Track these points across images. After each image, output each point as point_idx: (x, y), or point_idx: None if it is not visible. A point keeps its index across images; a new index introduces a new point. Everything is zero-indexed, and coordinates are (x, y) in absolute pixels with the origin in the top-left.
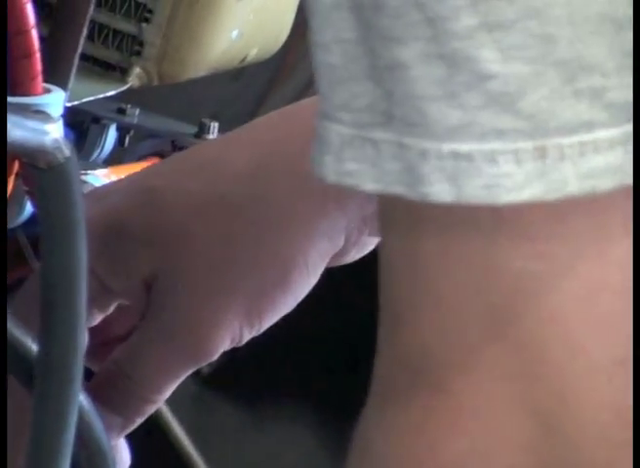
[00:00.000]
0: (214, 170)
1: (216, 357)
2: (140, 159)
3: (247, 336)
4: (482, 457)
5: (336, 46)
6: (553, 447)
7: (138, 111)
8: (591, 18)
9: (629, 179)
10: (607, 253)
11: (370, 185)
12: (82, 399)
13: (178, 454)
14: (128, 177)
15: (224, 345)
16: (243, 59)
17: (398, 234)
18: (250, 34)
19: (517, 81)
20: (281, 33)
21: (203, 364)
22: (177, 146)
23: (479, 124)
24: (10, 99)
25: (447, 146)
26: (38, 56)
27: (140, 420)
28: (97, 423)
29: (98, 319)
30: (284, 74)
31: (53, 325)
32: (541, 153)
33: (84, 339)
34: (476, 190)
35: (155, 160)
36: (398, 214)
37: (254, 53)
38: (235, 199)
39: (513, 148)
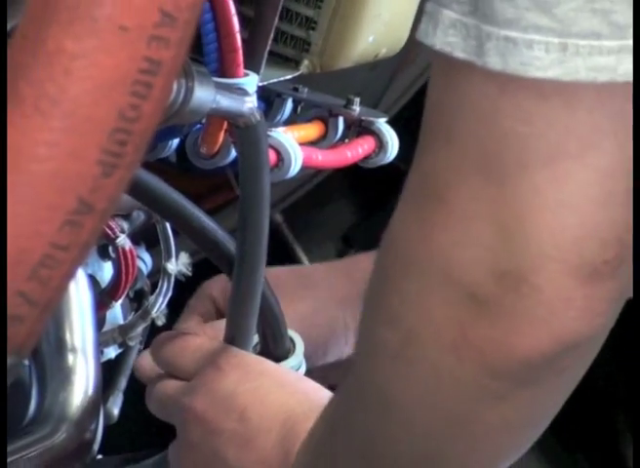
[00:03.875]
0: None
1: None
2: (307, 121)
3: None
4: (458, 246)
5: None
6: (508, 252)
7: (306, 89)
8: None
9: (617, 78)
10: (570, 129)
11: (459, 54)
12: (264, 281)
13: None
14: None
15: None
16: (376, 56)
17: (442, 85)
18: (381, 39)
19: None
20: (402, 38)
21: None
22: (332, 113)
23: (525, 20)
24: (221, 80)
25: (503, 32)
26: (240, 51)
27: None
28: (273, 299)
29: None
30: (404, 66)
31: (246, 228)
32: (563, 47)
33: (266, 239)
34: (516, 65)
35: (318, 122)
36: (447, 74)
37: (383, 51)
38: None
39: (545, 41)
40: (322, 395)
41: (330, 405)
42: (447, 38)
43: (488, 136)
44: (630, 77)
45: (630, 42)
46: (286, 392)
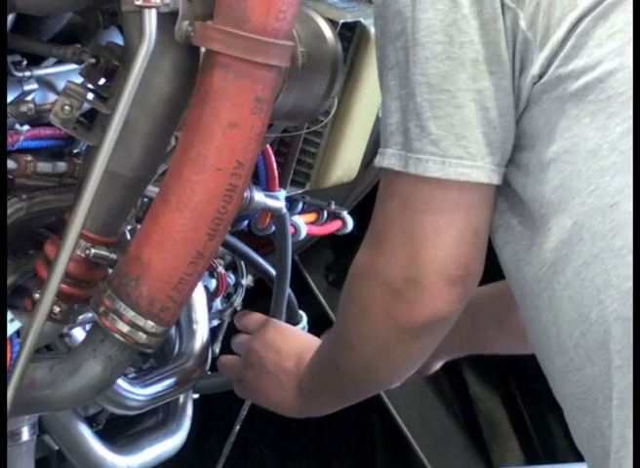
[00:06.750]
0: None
1: None
2: (309, 212)
3: None
4: (387, 265)
5: (393, 124)
6: (412, 270)
7: (309, 197)
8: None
9: (471, 180)
10: (446, 207)
11: (396, 168)
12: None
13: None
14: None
15: None
16: (342, 181)
17: (384, 185)
18: (344, 173)
19: (439, 137)
20: (355, 171)
21: None
22: (321, 209)
23: (425, 150)
24: (267, 193)
25: (416, 156)
26: (277, 179)
27: None
28: (293, 298)
29: None
30: (356, 186)
31: (280, 263)
32: (443, 162)
33: (290, 268)
34: (421, 171)
35: (314, 213)
36: (387, 178)
37: (346, 179)
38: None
39: (433, 159)
40: (317, 341)
41: (319, 345)
42: (390, 161)
43: (403, 210)
44: (480, 181)
45: (479, 163)
46: (299, 339)
